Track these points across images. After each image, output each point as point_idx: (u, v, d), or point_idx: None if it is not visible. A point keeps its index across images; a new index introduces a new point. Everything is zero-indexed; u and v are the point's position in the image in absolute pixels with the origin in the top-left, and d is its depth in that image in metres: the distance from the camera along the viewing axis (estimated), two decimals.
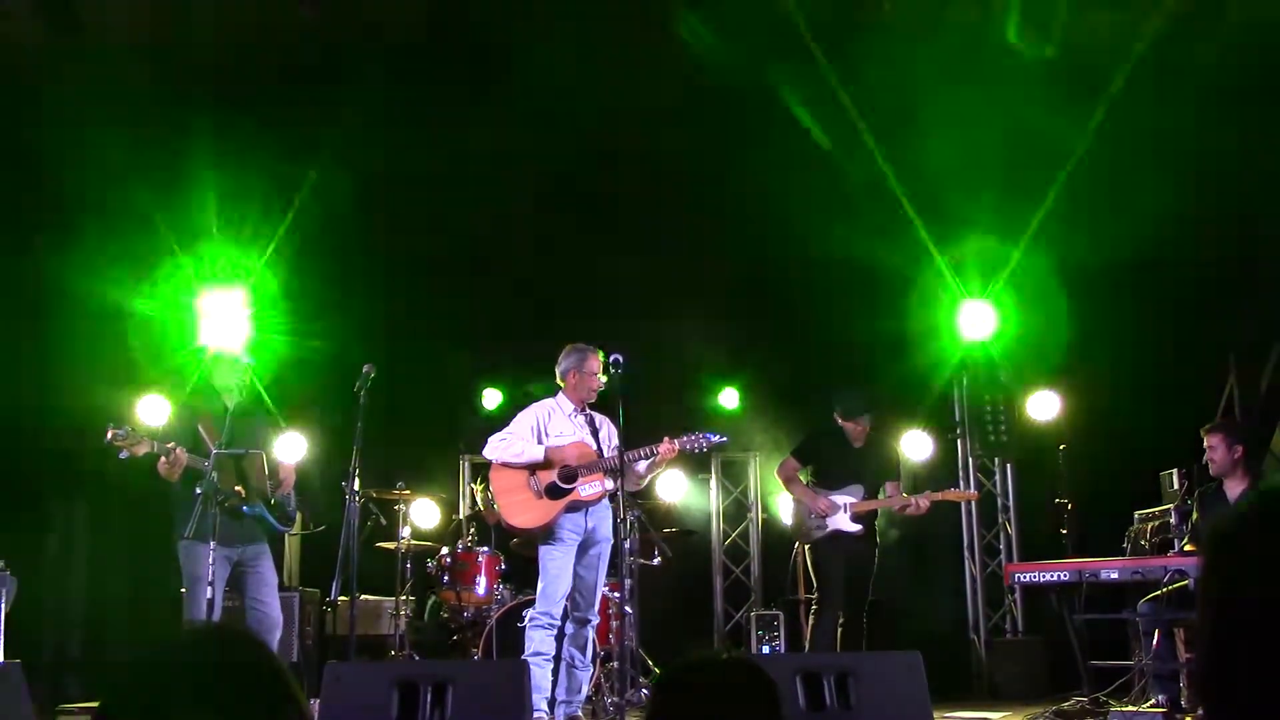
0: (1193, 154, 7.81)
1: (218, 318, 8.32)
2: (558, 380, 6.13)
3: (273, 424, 6.19)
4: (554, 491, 5.87)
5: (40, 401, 7.94)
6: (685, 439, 5.89)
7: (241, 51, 7.96)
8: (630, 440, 5.84)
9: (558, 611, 5.81)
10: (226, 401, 5.82)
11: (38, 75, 7.81)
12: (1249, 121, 7.70)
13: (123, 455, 5.45)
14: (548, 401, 6.17)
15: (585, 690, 5.99)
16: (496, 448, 6.01)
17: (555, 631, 5.81)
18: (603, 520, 5.96)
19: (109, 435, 5.41)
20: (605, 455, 5.91)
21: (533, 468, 5.93)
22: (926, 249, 9.17)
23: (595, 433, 6.06)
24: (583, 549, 5.93)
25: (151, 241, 8.33)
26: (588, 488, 5.87)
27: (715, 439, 6.01)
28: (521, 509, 5.92)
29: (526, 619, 6.22)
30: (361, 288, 9.19)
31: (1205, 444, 6.38)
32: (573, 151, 8.74)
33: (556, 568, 5.84)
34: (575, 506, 5.87)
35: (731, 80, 8.27)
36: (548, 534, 5.87)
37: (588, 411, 6.12)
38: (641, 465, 5.99)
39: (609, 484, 5.91)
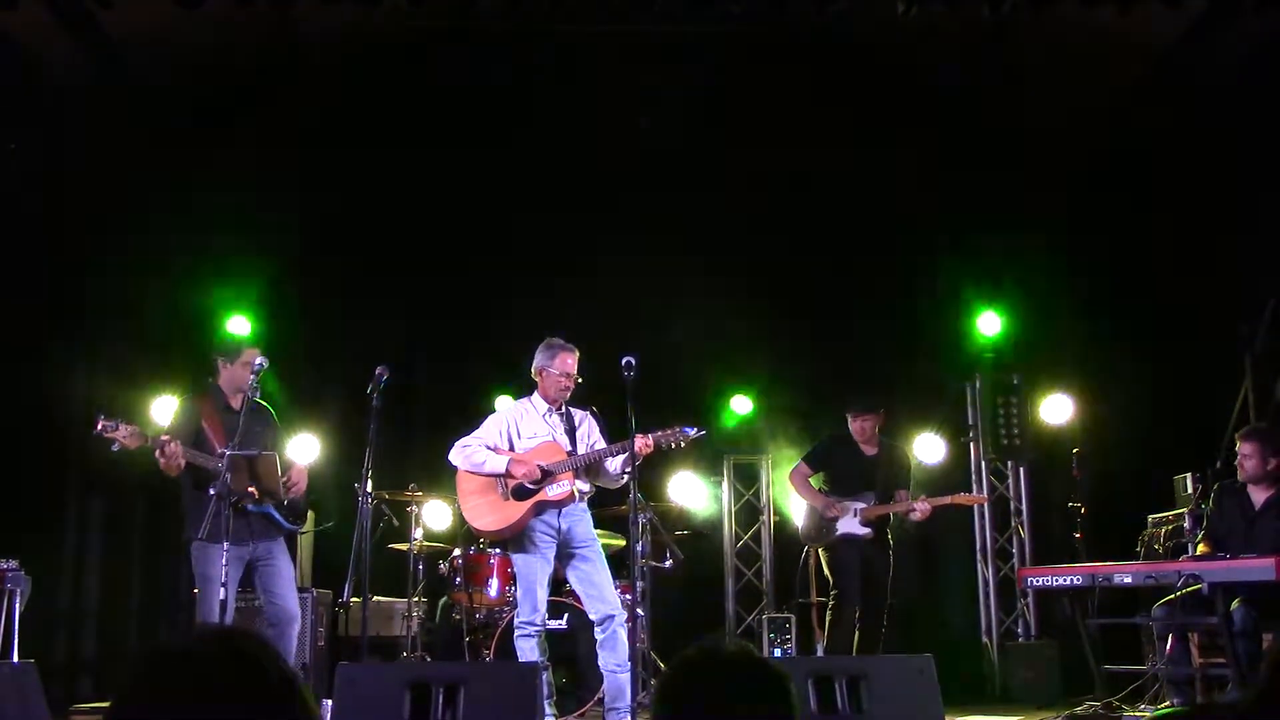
0: None
1: (232, 318, 8.37)
2: (532, 375, 5.94)
3: (283, 425, 6.20)
4: (520, 493, 5.71)
5: (56, 400, 7.97)
6: (660, 434, 5.63)
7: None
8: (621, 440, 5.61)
9: (539, 618, 5.67)
10: (233, 402, 5.83)
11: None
12: None
13: (114, 448, 5.45)
14: (521, 402, 6.00)
15: (629, 694, 5.46)
16: (460, 453, 5.84)
17: (539, 637, 5.65)
18: (578, 521, 5.77)
19: (98, 426, 5.39)
20: (578, 454, 5.75)
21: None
22: (941, 252, 9.15)
23: (573, 430, 5.87)
24: (569, 554, 5.74)
25: (166, 241, 8.39)
26: (555, 488, 5.69)
27: (692, 433, 5.71)
28: (488, 511, 5.76)
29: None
30: (375, 289, 9.21)
31: (1239, 449, 6.11)
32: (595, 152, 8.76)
33: (532, 573, 5.67)
34: (543, 508, 5.70)
35: None
36: (519, 539, 5.71)
37: (565, 409, 5.91)
38: (612, 463, 5.79)
39: (581, 484, 5.77)
